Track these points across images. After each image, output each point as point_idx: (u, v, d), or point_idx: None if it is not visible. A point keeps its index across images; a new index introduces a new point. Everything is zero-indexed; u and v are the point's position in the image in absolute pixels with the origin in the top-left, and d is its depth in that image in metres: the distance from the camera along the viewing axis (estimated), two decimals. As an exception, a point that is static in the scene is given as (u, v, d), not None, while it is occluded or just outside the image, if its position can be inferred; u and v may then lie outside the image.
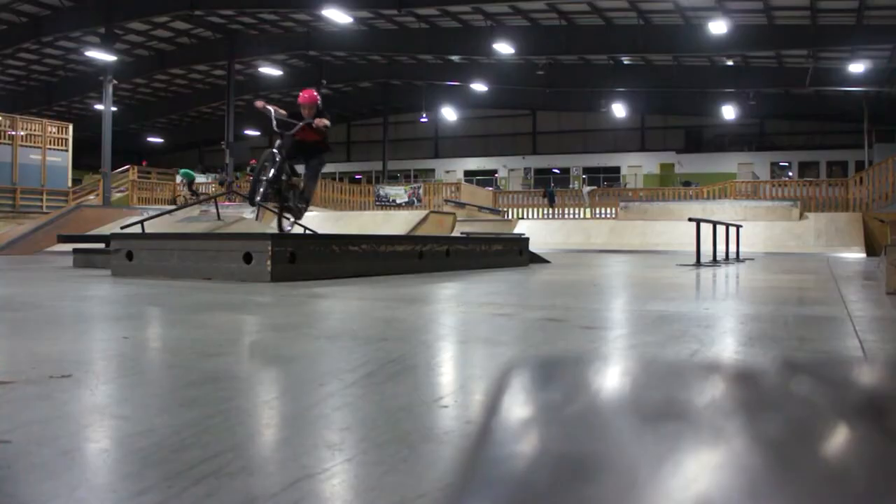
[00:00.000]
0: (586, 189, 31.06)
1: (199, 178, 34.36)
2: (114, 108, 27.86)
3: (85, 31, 26.90)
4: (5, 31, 27.48)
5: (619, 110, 35.88)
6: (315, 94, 8.14)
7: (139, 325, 3.85)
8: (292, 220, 8.60)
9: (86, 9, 25.66)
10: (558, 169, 42.15)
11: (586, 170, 41.09)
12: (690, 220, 10.99)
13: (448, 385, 2.23)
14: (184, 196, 27.66)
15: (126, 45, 29.30)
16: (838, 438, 0.33)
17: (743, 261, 12.79)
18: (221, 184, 29.32)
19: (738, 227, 13.99)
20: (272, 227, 14.69)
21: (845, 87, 29.34)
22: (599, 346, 2.96)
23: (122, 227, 10.95)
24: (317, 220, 16.96)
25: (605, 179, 39.56)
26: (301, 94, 8.07)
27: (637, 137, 42.07)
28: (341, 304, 4.80)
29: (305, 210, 8.52)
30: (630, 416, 0.35)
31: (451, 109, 40.27)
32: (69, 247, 10.81)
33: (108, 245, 8.81)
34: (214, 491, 1.20)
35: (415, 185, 32.13)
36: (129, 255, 7.38)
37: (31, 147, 23.16)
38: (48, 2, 25.76)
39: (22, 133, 23.01)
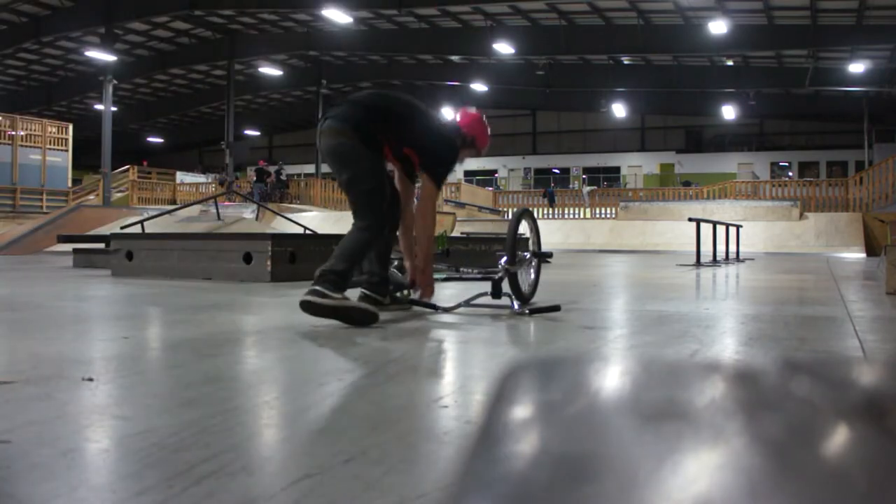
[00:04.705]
0: (586, 189, 31.05)
1: (199, 179, 34.35)
2: (114, 108, 27.86)
3: (85, 31, 26.87)
4: (5, 31, 27.46)
5: (618, 110, 35.85)
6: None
7: (139, 325, 3.85)
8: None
9: (86, 9, 25.64)
10: (558, 169, 42.12)
11: (586, 170, 41.07)
12: (690, 220, 10.99)
13: (448, 385, 2.22)
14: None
15: (126, 45, 29.28)
16: (838, 438, 0.33)
17: (743, 261, 12.79)
18: (221, 184, 29.30)
19: (738, 227, 14.00)
20: (272, 228, 14.72)
21: (845, 87, 29.33)
22: (599, 346, 2.95)
23: (122, 227, 10.94)
24: (317, 220, 16.97)
25: (605, 179, 39.54)
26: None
27: (637, 137, 42.05)
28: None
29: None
30: (630, 416, 0.35)
31: (450, 109, 40.26)
32: (69, 247, 10.80)
33: (108, 245, 8.81)
34: (214, 491, 1.20)
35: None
36: (129, 255, 7.38)
37: (31, 147, 23.14)
38: (48, 2, 25.74)
39: (22, 133, 22.98)
